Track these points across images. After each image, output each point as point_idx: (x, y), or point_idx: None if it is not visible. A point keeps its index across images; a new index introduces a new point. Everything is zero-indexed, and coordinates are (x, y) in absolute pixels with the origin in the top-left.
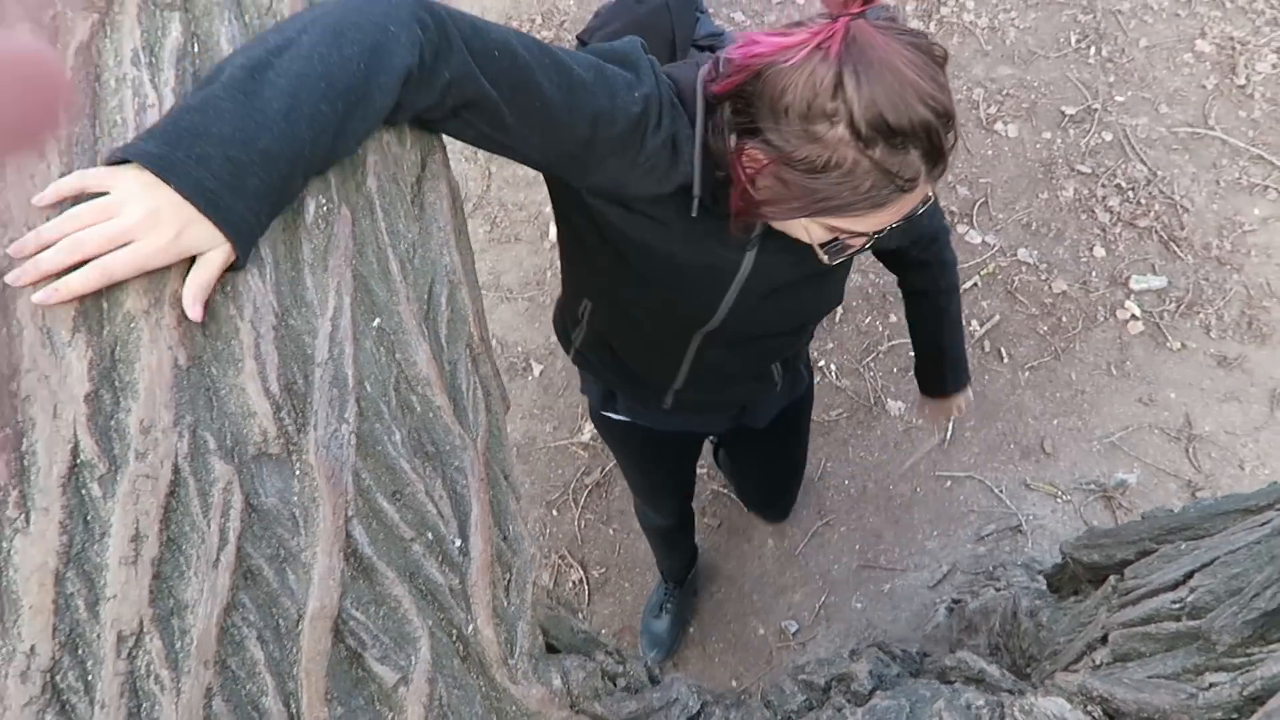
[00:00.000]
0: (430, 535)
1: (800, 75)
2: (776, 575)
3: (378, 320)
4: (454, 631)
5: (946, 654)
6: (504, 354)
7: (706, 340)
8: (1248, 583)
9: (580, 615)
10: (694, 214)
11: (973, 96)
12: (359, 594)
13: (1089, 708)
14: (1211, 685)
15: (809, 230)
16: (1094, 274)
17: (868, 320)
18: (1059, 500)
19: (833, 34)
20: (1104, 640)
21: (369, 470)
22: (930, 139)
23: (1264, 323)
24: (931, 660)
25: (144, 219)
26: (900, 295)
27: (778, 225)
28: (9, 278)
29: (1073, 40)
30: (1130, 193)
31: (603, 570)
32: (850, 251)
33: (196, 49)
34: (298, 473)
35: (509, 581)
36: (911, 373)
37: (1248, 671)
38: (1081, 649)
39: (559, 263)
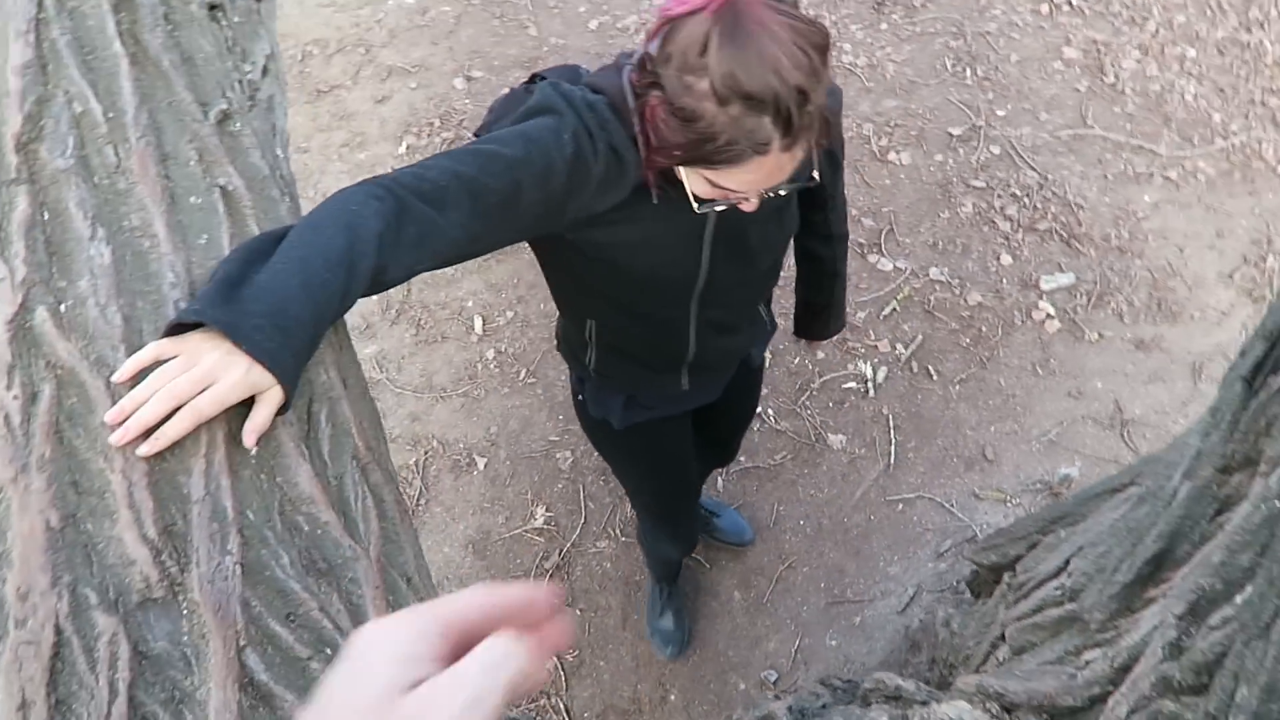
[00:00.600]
0: (329, 650)
1: (684, 29)
2: (748, 627)
3: (255, 450)
4: None
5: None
6: (446, 452)
7: (702, 303)
8: (1111, 559)
9: (559, 700)
10: (655, 201)
11: (863, 131)
12: None
13: (987, 705)
14: (1088, 663)
15: (691, 182)
16: (1005, 281)
17: (796, 361)
18: (1009, 504)
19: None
20: (1003, 637)
21: (259, 597)
22: (779, 108)
23: (1172, 302)
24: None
25: (220, 362)
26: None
27: (679, 177)
28: (114, 439)
29: (948, 65)
30: (1025, 199)
31: (575, 653)
32: (727, 206)
33: (46, 217)
34: (185, 612)
35: None
36: (847, 405)
37: (1115, 644)
38: (987, 649)
39: (547, 300)
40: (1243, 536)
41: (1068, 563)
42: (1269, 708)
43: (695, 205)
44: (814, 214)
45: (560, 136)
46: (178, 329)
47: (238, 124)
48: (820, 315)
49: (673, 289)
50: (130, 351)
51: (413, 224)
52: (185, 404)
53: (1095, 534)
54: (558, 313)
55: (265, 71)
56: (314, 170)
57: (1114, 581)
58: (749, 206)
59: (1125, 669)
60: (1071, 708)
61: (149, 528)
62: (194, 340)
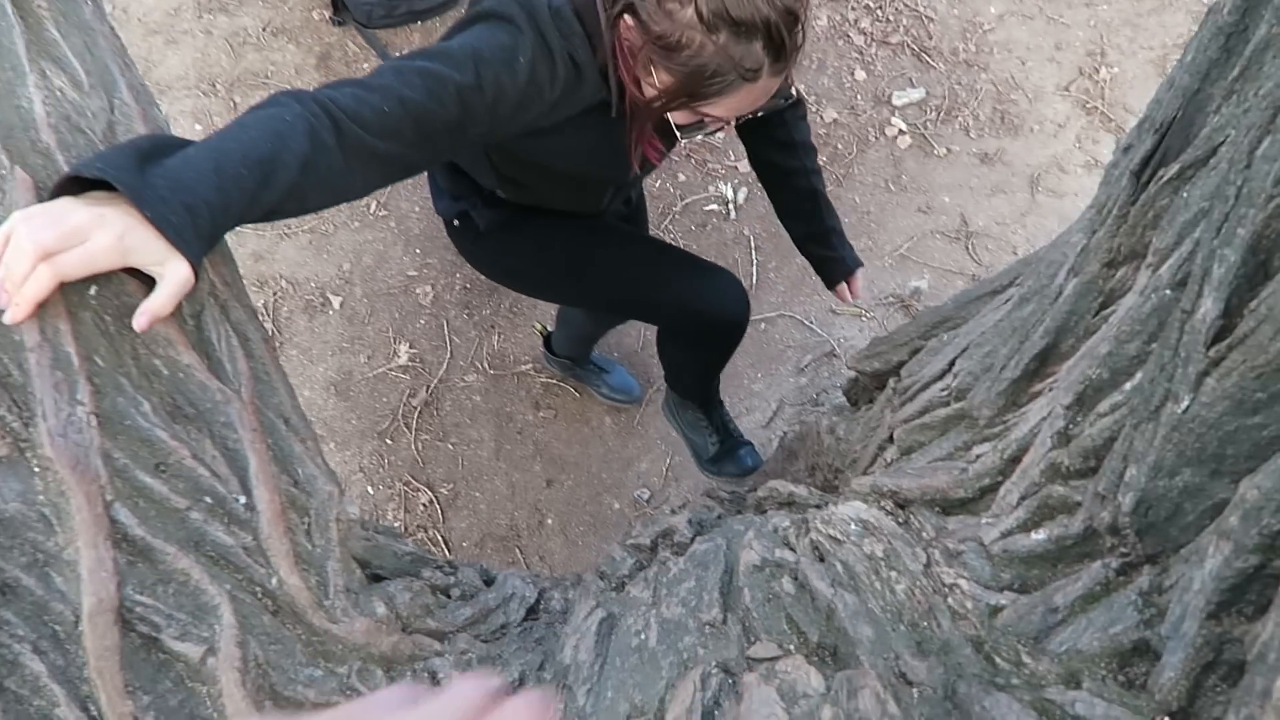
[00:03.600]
0: (209, 499)
1: None
2: (620, 450)
3: (93, 288)
4: (257, 589)
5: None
6: (297, 292)
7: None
8: (997, 358)
9: (435, 533)
10: (614, 115)
11: None
12: (140, 577)
13: (882, 503)
14: (978, 457)
15: (673, 112)
16: (859, 97)
17: (658, 184)
18: (864, 319)
19: None
20: (891, 440)
21: (121, 448)
22: (770, 34)
23: (1014, 115)
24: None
25: (92, 219)
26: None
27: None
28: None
29: None
30: (879, 12)
31: (450, 486)
32: (709, 131)
33: None
34: (36, 470)
35: (308, 525)
36: (709, 227)
37: (1004, 437)
38: (874, 452)
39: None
40: (1130, 326)
41: (952, 364)
42: (1156, 484)
43: (678, 134)
44: (768, 120)
45: (515, 60)
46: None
47: None
48: (828, 244)
49: (599, 185)
50: None
51: (348, 154)
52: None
53: (979, 335)
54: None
55: None
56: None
57: (1001, 379)
58: (727, 129)
59: (1015, 460)
60: (963, 499)
61: None
62: (64, 198)
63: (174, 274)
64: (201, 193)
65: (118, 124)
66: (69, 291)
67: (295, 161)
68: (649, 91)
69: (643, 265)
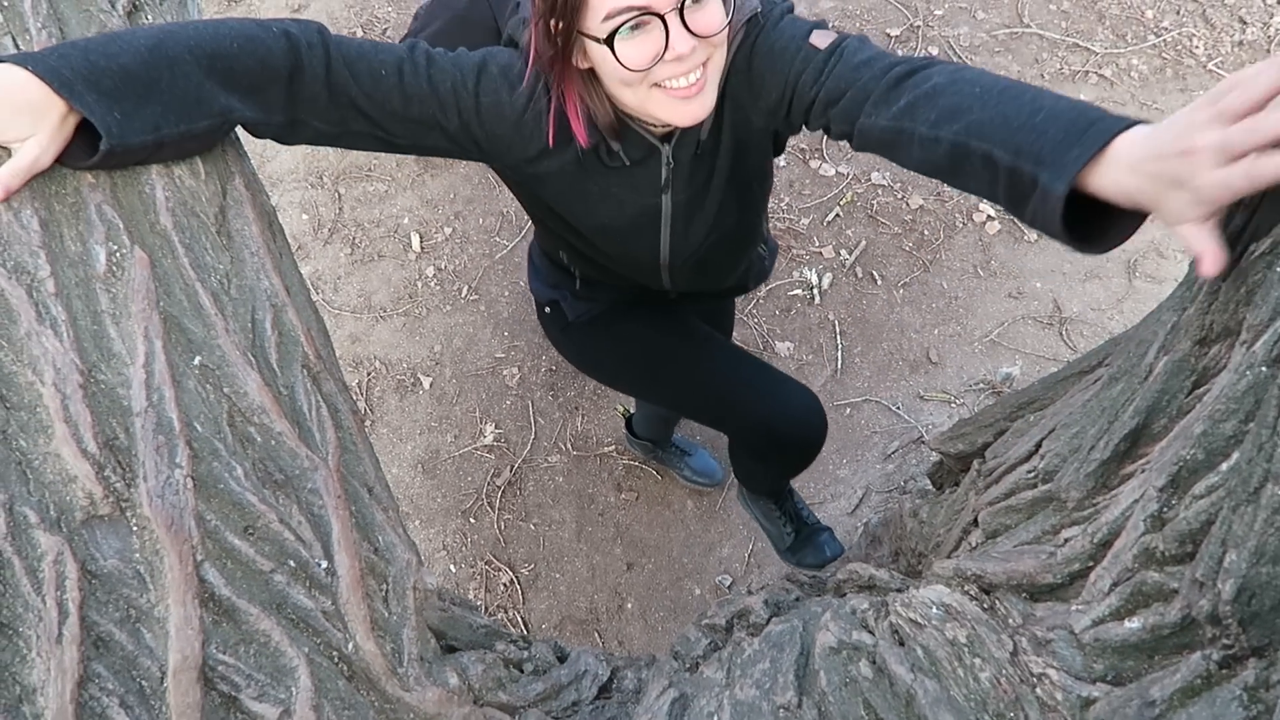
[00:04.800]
0: (292, 562)
1: None
2: (701, 534)
3: (198, 358)
4: (334, 653)
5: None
6: (390, 372)
7: (672, 268)
8: (1085, 439)
9: (515, 613)
10: (612, 164)
11: None
12: (224, 637)
13: (966, 588)
14: (1067, 541)
15: (603, 63)
16: (945, 184)
17: None
18: (953, 405)
19: None
20: (975, 523)
21: (214, 510)
22: None
23: None
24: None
25: None
26: None
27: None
28: None
29: None
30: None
31: (531, 567)
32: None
33: None
34: (135, 528)
35: (386, 592)
36: (793, 312)
37: (1094, 520)
38: (958, 535)
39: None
40: (1226, 405)
41: (1039, 445)
42: (1259, 571)
43: (631, 73)
44: (827, 101)
45: (517, 84)
46: None
47: (149, 16)
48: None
49: (636, 259)
50: (50, 258)
51: (325, 86)
52: None
53: (1066, 416)
54: (520, 230)
55: None
56: None
57: (1090, 460)
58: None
59: (1106, 544)
60: (1051, 584)
61: (88, 442)
62: None
63: (44, 136)
64: (124, 60)
65: (229, 209)
66: (174, 358)
67: (260, 76)
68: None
69: (717, 377)
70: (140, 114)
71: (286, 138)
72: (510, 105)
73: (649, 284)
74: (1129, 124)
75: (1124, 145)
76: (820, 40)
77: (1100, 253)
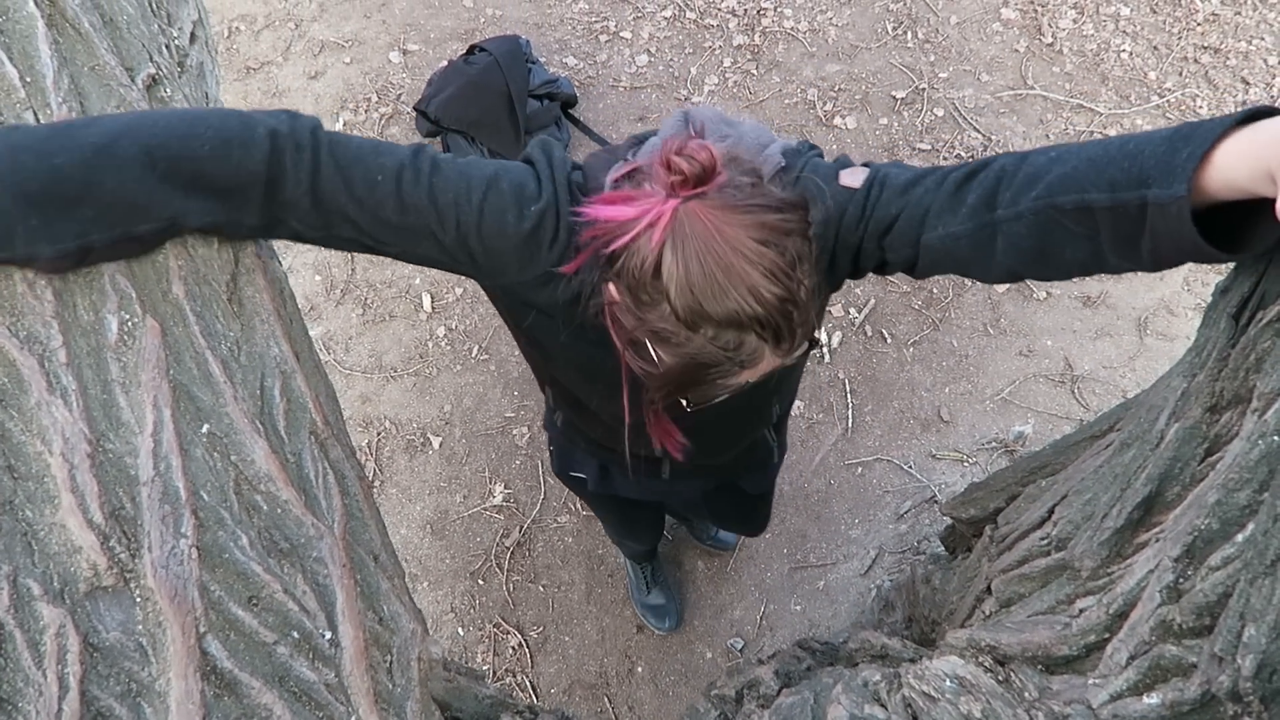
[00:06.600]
0: (296, 634)
1: (631, 252)
2: (713, 596)
3: (206, 426)
4: None
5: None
6: (399, 432)
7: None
8: (1098, 506)
9: (524, 678)
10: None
11: (808, 97)
12: (225, 712)
13: (980, 659)
14: (1082, 611)
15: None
16: None
17: None
18: (966, 464)
19: (659, 216)
20: (989, 590)
21: (218, 581)
22: (762, 325)
23: None
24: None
25: None
26: None
27: None
28: None
29: (889, 29)
30: (970, 160)
31: (540, 629)
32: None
33: None
34: (138, 600)
35: (390, 663)
36: (803, 370)
37: (1109, 590)
38: (972, 603)
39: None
40: (1239, 474)
41: (1052, 511)
42: (1278, 646)
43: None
44: (878, 233)
45: (526, 209)
46: None
47: (168, 89)
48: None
49: (620, 411)
50: (63, 327)
51: (309, 192)
52: None
53: (1078, 482)
54: None
55: (193, 38)
56: None
57: (1104, 528)
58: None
59: (1122, 615)
60: (1067, 657)
61: (94, 512)
62: None
63: None
64: (58, 159)
65: (240, 276)
66: (183, 429)
67: (230, 180)
68: (646, 366)
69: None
70: (61, 222)
71: (263, 236)
72: (515, 226)
73: (634, 448)
74: (1235, 120)
75: (1233, 139)
76: (852, 179)
77: (1248, 255)
